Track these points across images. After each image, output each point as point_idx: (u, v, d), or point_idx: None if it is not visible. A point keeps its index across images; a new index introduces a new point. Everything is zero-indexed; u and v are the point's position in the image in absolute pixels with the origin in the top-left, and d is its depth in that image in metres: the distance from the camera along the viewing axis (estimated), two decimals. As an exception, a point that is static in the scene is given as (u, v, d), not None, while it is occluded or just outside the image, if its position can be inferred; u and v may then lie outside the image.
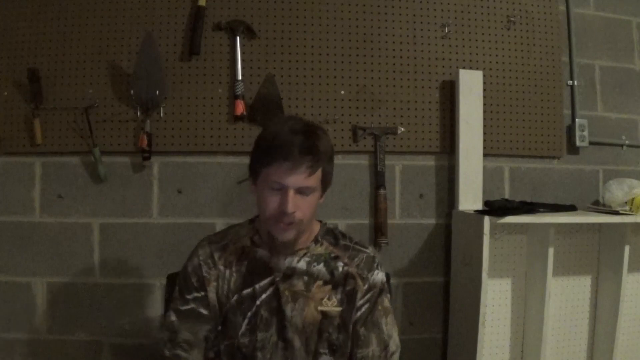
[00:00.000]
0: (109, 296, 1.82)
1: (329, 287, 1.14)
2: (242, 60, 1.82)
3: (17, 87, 1.79)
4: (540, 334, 1.75)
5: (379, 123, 1.88)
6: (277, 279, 1.13)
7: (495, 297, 1.86)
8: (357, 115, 1.87)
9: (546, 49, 1.99)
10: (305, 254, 1.16)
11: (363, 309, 1.15)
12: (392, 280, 1.84)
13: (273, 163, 1.05)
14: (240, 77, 1.81)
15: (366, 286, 1.15)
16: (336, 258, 1.17)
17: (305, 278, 1.14)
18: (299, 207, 1.06)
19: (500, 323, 1.87)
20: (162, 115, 1.80)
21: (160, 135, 1.80)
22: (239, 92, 1.79)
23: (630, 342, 1.94)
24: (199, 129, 1.81)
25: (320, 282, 1.14)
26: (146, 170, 1.82)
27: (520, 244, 1.87)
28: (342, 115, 1.87)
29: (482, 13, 1.95)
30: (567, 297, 1.91)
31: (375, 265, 1.18)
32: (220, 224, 1.82)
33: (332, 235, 1.21)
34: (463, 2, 1.94)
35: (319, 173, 1.09)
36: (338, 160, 1.87)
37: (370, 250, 1.21)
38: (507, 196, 1.95)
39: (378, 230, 1.86)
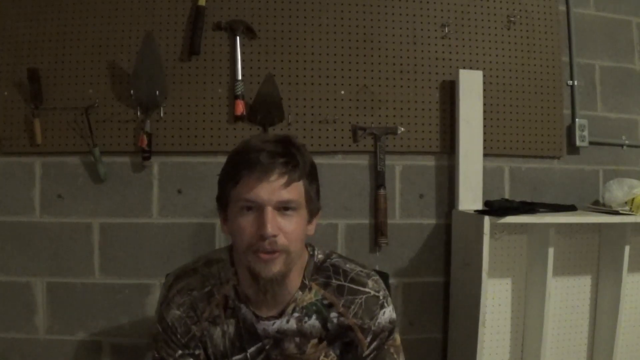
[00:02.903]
0: (109, 296, 1.81)
1: (324, 343, 0.99)
2: (242, 60, 1.82)
3: (17, 87, 1.79)
4: (540, 334, 1.75)
5: (379, 123, 1.88)
6: (267, 346, 0.99)
7: (495, 297, 1.86)
8: (357, 115, 1.87)
9: (546, 49, 1.99)
10: (293, 310, 0.98)
11: (371, 356, 1.00)
12: (392, 280, 1.84)
13: (241, 177, 0.88)
14: (240, 77, 1.81)
15: (369, 337, 0.99)
16: (329, 306, 0.99)
17: (297, 339, 0.98)
18: (281, 228, 0.88)
19: (500, 323, 1.87)
20: (162, 115, 1.80)
21: (160, 135, 1.80)
22: (239, 92, 1.79)
23: (630, 342, 1.94)
24: (199, 129, 1.81)
25: (315, 341, 0.99)
26: (146, 170, 1.82)
27: (520, 244, 1.87)
28: (342, 115, 1.86)
29: (482, 13, 1.95)
30: (567, 297, 1.91)
31: (378, 306, 0.99)
32: (220, 224, 1.81)
33: (323, 272, 1.01)
34: (463, 2, 1.94)
35: (299, 186, 0.90)
36: (338, 160, 1.88)
37: (371, 284, 1.01)
38: (507, 196, 1.95)
39: (378, 230, 1.86)
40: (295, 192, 0.89)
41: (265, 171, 0.87)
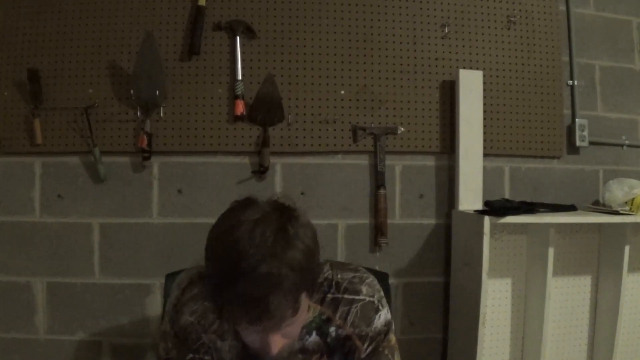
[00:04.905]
0: (109, 296, 1.81)
1: (325, 357, 1.01)
2: (242, 60, 1.82)
3: (17, 87, 1.79)
4: (540, 334, 1.75)
5: (379, 123, 1.88)
6: None
7: (495, 297, 1.86)
8: (357, 115, 1.87)
9: (546, 49, 1.99)
10: None
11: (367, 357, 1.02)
12: (392, 280, 1.84)
13: (243, 323, 0.82)
14: (240, 77, 1.81)
15: (367, 343, 0.99)
16: (328, 320, 0.99)
17: (300, 356, 0.99)
18: (286, 336, 0.86)
19: (500, 323, 1.87)
20: (162, 115, 1.80)
21: (160, 135, 1.80)
22: (239, 92, 1.79)
23: (630, 342, 1.94)
24: (199, 129, 1.81)
25: (317, 356, 1.00)
26: (146, 170, 1.82)
27: (520, 244, 1.87)
28: (342, 115, 1.86)
29: (482, 13, 1.95)
30: (567, 297, 1.91)
31: (373, 311, 0.99)
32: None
33: (317, 288, 0.99)
34: (463, 2, 1.94)
35: (303, 301, 0.84)
36: (338, 160, 1.88)
37: (365, 290, 0.99)
38: (507, 196, 1.95)
39: (378, 230, 1.86)
40: (301, 311, 0.84)
41: (269, 328, 0.80)
